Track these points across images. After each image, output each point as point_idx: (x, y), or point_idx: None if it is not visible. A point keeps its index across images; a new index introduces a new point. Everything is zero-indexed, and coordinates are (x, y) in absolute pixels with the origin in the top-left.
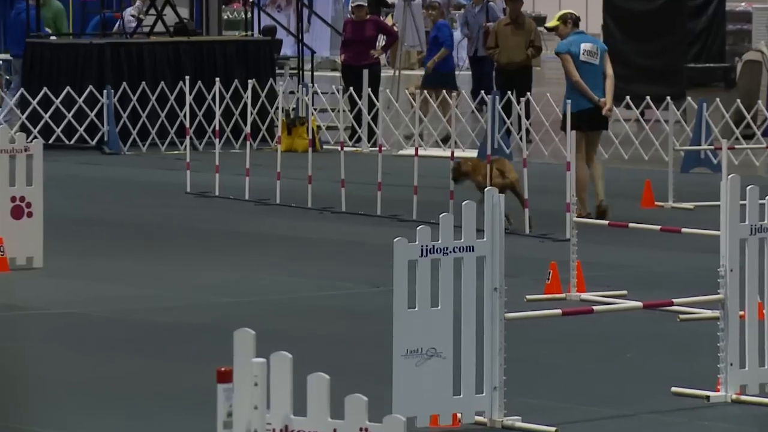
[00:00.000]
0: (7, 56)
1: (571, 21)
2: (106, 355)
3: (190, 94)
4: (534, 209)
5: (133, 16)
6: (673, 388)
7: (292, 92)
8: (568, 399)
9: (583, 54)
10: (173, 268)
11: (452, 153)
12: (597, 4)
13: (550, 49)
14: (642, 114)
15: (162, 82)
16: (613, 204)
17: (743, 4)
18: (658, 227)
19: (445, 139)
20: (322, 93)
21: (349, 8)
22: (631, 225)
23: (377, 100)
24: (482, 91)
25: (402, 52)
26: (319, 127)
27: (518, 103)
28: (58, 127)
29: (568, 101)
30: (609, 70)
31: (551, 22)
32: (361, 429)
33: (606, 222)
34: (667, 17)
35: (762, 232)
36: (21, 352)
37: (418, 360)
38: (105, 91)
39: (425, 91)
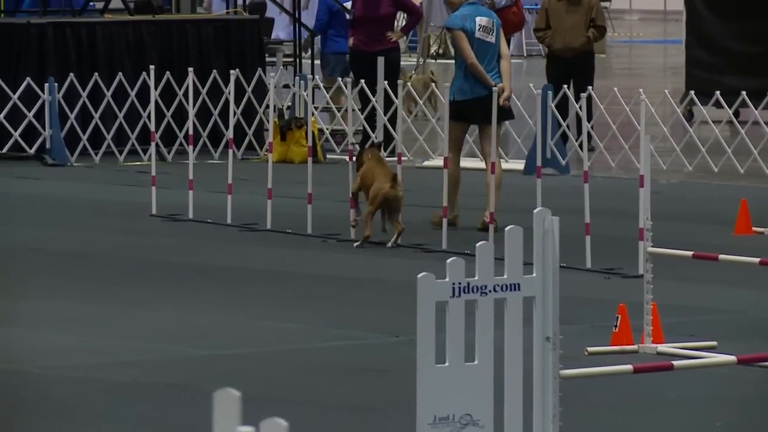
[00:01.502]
0: None
1: None
2: (49, 424)
3: (156, 88)
4: (597, 235)
5: None
6: None
7: (286, 86)
8: None
9: (479, 30)
10: (135, 312)
11: (493, 165)
12: None
13: (617, 31)
14: (736, 114)
15: (120, 74)
16: (696, 229)
17: None
18: (757, 260)
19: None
20: (324, 87)
21: None
22: (721, 257)
23: (395, 97)
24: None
25: (427, 35)
26: (321, 131)
27: (577, 100)
28: None
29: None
30: (505, 48)
31: None
32: None
33: (690, 253)
34: None
35: None
36: None
37: (450, 430)
38: (46, 85)
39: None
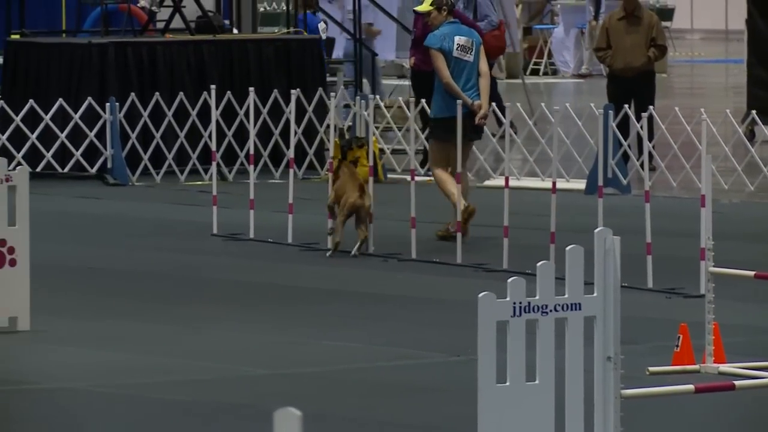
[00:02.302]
0: None
1: (446, 7)
2: None
3: (217, 108)
4: (658, 255)
5: (143, 8)
6: None
7: (347, 106)
8: None
9: (457, 49)
10: (195, 332)
11: (554, 184)
12: None
13: (679, 50)
14: None
15: (181, 93)
16: (757, 249)
17: None
18: None
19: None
20: (386, 107)
21: None
22: None
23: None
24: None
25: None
26: (382, 150)
27: (638, 119)
28: (48, 151)
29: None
30: (484, 66)
31: (422, 6)
32: None
33: (751, 273)
34: None
35: None
36: None
37: None
38: (108, 105)
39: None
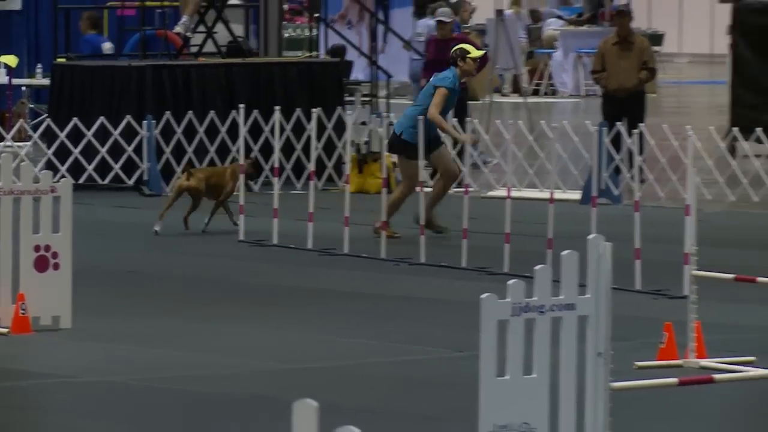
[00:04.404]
0: (33, 80)
1: None
2: (144, 430)
3: (245, 124)
4: (646, 260)
5: (178, 33)
6: None
7: (363, 123)
8: None
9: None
10: (224, 329)
11: (551, 195)
12: (725, 20)
13: (667, 72)
14: None
15: (212, 112)
16: (737, 254)
17: None
18: None
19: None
20: None
21: (433, 24)
22: (760, 279)
23: (463, 132)
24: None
25: (493, 75)
26: (394, 164)
27: (630, 136)
28: (89, 164)
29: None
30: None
31: (478, 52)
32: None
33: (731, 276)
34: None
35: None
36: (46, 427)
37: None
38: (145, 122)
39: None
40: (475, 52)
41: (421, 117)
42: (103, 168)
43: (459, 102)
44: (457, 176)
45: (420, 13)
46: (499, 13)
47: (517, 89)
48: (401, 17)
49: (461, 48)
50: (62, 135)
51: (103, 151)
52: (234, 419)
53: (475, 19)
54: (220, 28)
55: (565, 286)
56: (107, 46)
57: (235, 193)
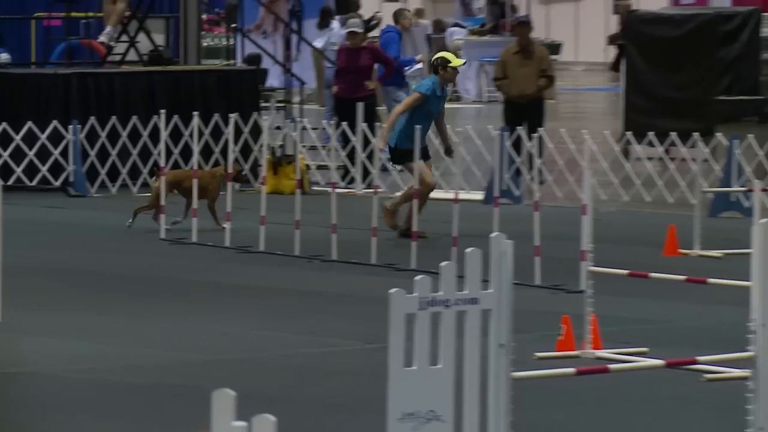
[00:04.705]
0: None
1: None
2: (71, 419)
3: (166, 129)
4: (545, 257)
5: (103, 43)
6: None
7: (278, 127)
8: None
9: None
10: (146, 323)
11: (456, 195)
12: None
13: (565, 80)
14: (666, 152)
15: (134, 117)
16: (631, 251)
17: None
18: (683, 277)
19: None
20: (311, 128)
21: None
22: (652, 275)
23: (373, 136)
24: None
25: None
26: (308, 166)
27: (530, 139)
28: (18, 167)
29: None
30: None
31: (459, 61)
32: None
33: (625, 272)
34: (695, 45)
35: None
36: None
37: (416, 424)
38: (71, 127)
39: None
40: (455, 61)
41: (418, 126)
42: (31, 170)
43: (368, 108)
44: (432, 189)
45: (323, 24)
46: None
47: None
48: (314, 28)
49: (442, 57)
50: None
51: (31, 154)
52: (157, 408)
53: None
54: (142, 37)
55: (469, 281)
56: (3, 57)
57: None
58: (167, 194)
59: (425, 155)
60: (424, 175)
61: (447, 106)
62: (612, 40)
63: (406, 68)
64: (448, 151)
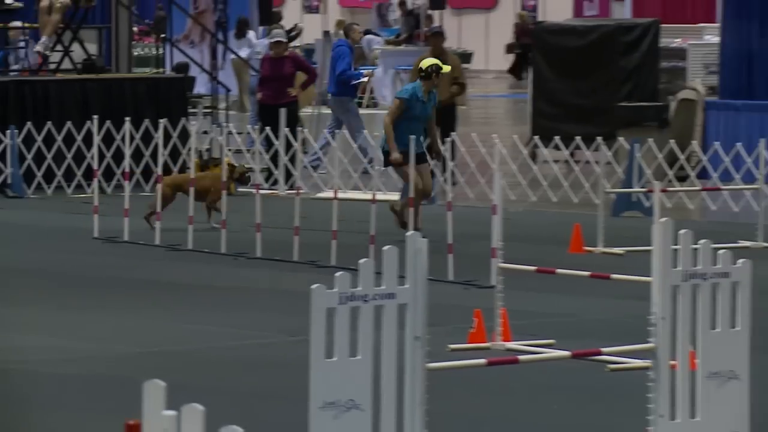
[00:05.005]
0: None
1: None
2: (1, 409)
3: (99, 134)
4: (458, 254)
5: (38, 52)
6: None
7: (205, 132)
8: None
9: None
10: (80, 317)
11: (374, 196)
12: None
13: (476, 87)
14: (572, 155)
15: (69, 122)
16: (538, 249)
17: (678, 40)
18: (587, 273)
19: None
20: (237, 133)
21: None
22: (558, 271)
23: (295, 141)
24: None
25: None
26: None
27: (442, 143)
28: None
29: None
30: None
31: (448, 67)
32: None
33: (533, 268)
34: (598, 54)
35: (695, 278)
36: None
37: (336, 412)
38: (8, 132)
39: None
40: (445, 68)
41: (413, 136)
42: None
43: (290, 114)
44: (429, 195)
45: (239, 34)
46: (326, 34)
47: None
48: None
49: (436, 64)
50: None
51: None
52: (90, 399)
53: (304, 39)
54: (76, 47)
55: (386, 277)
56: None
57: (89, 194)
58: (172, 198)
59: (422, 159)
60: (416, 182)
61: (366, 112)
62: (509, 48)
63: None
64: (437, 155)
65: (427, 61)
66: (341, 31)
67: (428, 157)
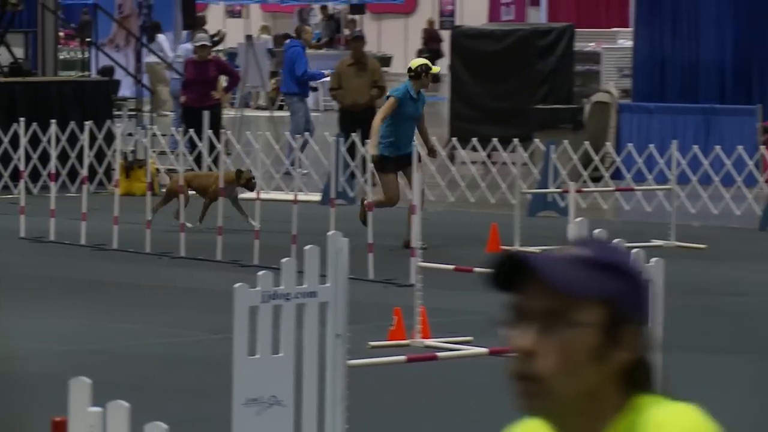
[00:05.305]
0: None
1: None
2: None
3: (25, 136)
4: (378, 253)
5: None
6: None
7: (130, 134)
8: None
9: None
10: (6, 316)
11: (295, 196)
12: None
13: None
14: (489, 156)
15: None
16: (459, 248)
17: (592, 44)
18: None
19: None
20: (161, 135)
21: (191, 47)
22: (476, 269)
23: (218, 142)
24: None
25: (243, 92)
26: (158, 170)
27: (363, 145)
28: None
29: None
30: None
31: (438, 68)
32: None
33: (451, 267)
34: (515, 58)
35: None
36: None
37: (259, 409)
38: None
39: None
40: (434, 69)
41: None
42: None
43: (214, 116)
44: (394, 203)
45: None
46: (249, 38)
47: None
48: (163, 41)
49: (425, 64)
50: None
51: None
52: (17, 395)
53: (227, 43)
54: (2, 50)
55: (308, 276)
56: None
57: (16, 195)
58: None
59: (408, 161)
60: (387, 190)
61: (287, 114)
62: (418, 54)
63: (313, 81)
64: (432, 152)
65: (417, 62)
66: (263, 36)
67: (427, 154)
